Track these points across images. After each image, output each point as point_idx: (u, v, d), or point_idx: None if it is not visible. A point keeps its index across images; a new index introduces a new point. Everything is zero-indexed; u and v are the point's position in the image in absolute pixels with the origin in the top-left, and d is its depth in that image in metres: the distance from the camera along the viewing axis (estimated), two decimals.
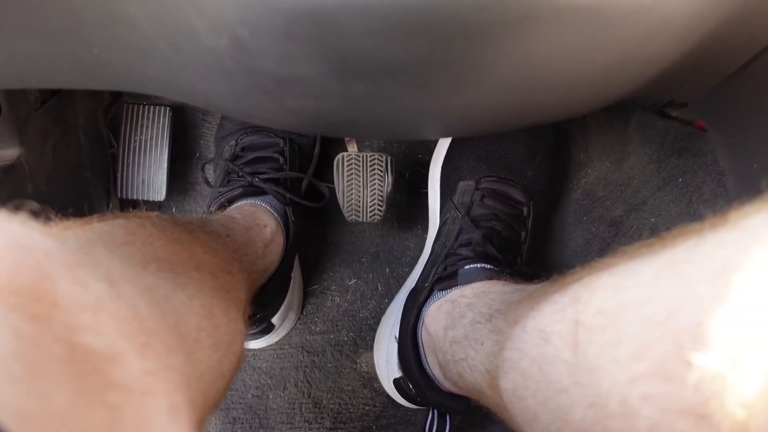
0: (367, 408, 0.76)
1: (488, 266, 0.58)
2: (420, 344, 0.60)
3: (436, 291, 0.61)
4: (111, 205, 0.75)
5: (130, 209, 0.77)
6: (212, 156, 0.77)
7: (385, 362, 0.72)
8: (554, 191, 0.77)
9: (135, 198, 0.75)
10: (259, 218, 0.62)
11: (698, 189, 0.62)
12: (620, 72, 0.35)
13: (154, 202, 0.76)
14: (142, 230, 0.35)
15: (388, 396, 0.76)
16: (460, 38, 0.28)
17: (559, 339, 0.31)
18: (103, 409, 0.20)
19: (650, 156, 0.69)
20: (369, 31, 0.27)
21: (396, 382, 0.67)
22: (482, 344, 0.44)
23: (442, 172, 0.71)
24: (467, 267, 0.59)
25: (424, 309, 0.61)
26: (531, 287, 0.46)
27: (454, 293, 0.57)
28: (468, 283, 0.57)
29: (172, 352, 0.26)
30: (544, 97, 0.37)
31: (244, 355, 0.43)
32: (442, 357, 0.54)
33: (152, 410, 0.22)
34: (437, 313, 0.58)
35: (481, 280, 0.57)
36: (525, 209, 0.65)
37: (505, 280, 0.56)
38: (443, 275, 0.61)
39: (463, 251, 0.61)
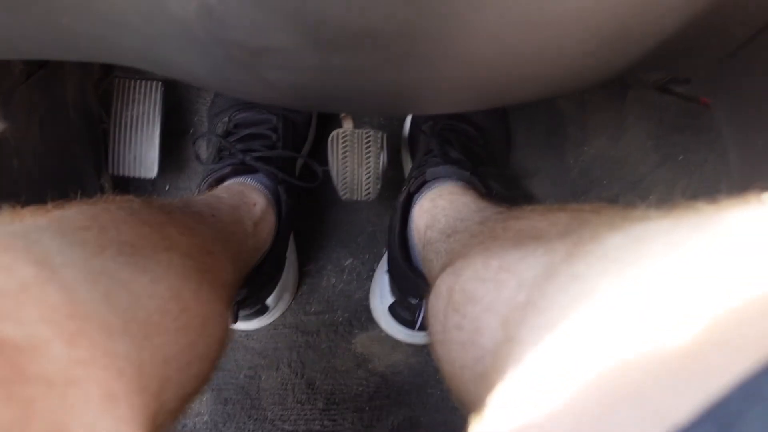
0: (360, 389, 0.75)
1: (454, 166, 0.63)
2: (412, 246, 0.64)
3: (415, 196, 0.65)
4: (103, 182, 0.74)
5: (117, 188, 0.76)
6: (205, 132, 0.76)
7: (380, 300, 0.73)
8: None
9: (126, 175, 0.73)
10: (247, 196, 0.61)
11: (700, 167, 0.60)
12: (618, 43, 0.33)
13: (146, 179, 0.75)
14: (104, 214, 0.34)
15: (382, 376, 0.76)
16: (442, 4, 0.26)
17: (442, 298, 0.39)
18: (13, 404, 0.19)
19: (648, 132, 0.68)
20: None
21: (391, 308, 0.71)
22: (439, 255, 0.50)
23: (410, 130, 0.76)
24: (434, 168, 0.64)
25: (411, 212, 0.65)
26: (488, 211, 0.51)
27: (432, 192, 0.62)
28: (438, 178, 0.63)
29: (115, 337, 0.25)
30: (538, 70, 0.35)
31: (227, 339, 0.42)
32: (422, 252, 0.59)
33: (78, 401, 0.21)
34: (420, 212, 0.62)
35: (451, 179, 0.62)
36: (477, 135, 0.72)
37: (474, 191, 0.61)
38: (418, 181, 0.64)
39: (430, 159, 0.66)
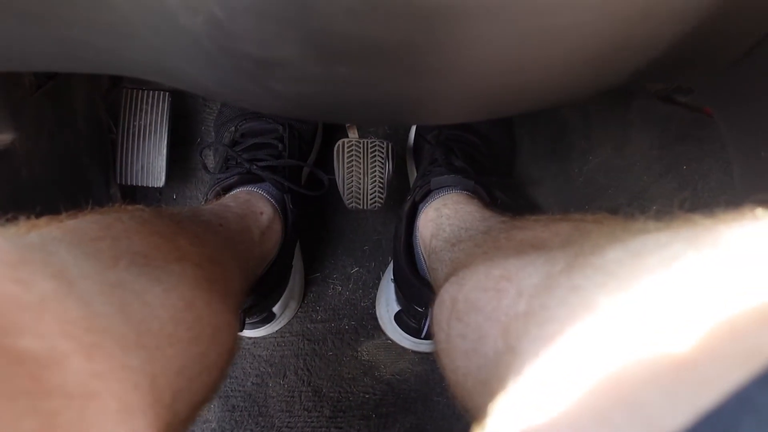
0: (366, 396, 0.75)
1: (458, 175, 0.63)
2: (417, 254, 0.65)
3: (420, 205, 0.65)
4: (112, 191, 0.75)
5: (125, 197, 0.77)
6: (212, 142, 0.77)
7: (386, 308, 0.74)
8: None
9: (134, 184, 0.74)
10: (254, 205, 0.61)
11: (704, 177, 0.60)
12: (617, 55, 0.33)
13: (153, 188, 0.76)
14: (117, 224, 0.34)
15: (388, 384, 0.76)
16: (445, 18, 0.27)
17: (446, 308, 0.39)
18: (35, 417, 0.19)
19: (652, 142, 0.68)
20: (348, 11, 0.26)
21: (396, 316, 0.72)
22: (443, 264, 0.50)
23: (415, 139, 0.77)
24: (439, 177, 0.64)
25: (416, 221, 0.65)
26: (492, 220, 0.51)
27: (437, 201, 0.62)
28: (442, 187, 0.63)
29: (130, 350, 0.26)
30: (540, 82, 0.35)
31: (235, 347, 0.42)
32: (427, 261, 0.60)
33: (96, 414, 0.22)
34: (425, 221, 0.62)
35: (455, 188, 0.62)
36: (482, 144, 0.72)
37: (479, 200, 0.61)
38: (422, 190, 0.65)
39: (434, 168, 0.66)
